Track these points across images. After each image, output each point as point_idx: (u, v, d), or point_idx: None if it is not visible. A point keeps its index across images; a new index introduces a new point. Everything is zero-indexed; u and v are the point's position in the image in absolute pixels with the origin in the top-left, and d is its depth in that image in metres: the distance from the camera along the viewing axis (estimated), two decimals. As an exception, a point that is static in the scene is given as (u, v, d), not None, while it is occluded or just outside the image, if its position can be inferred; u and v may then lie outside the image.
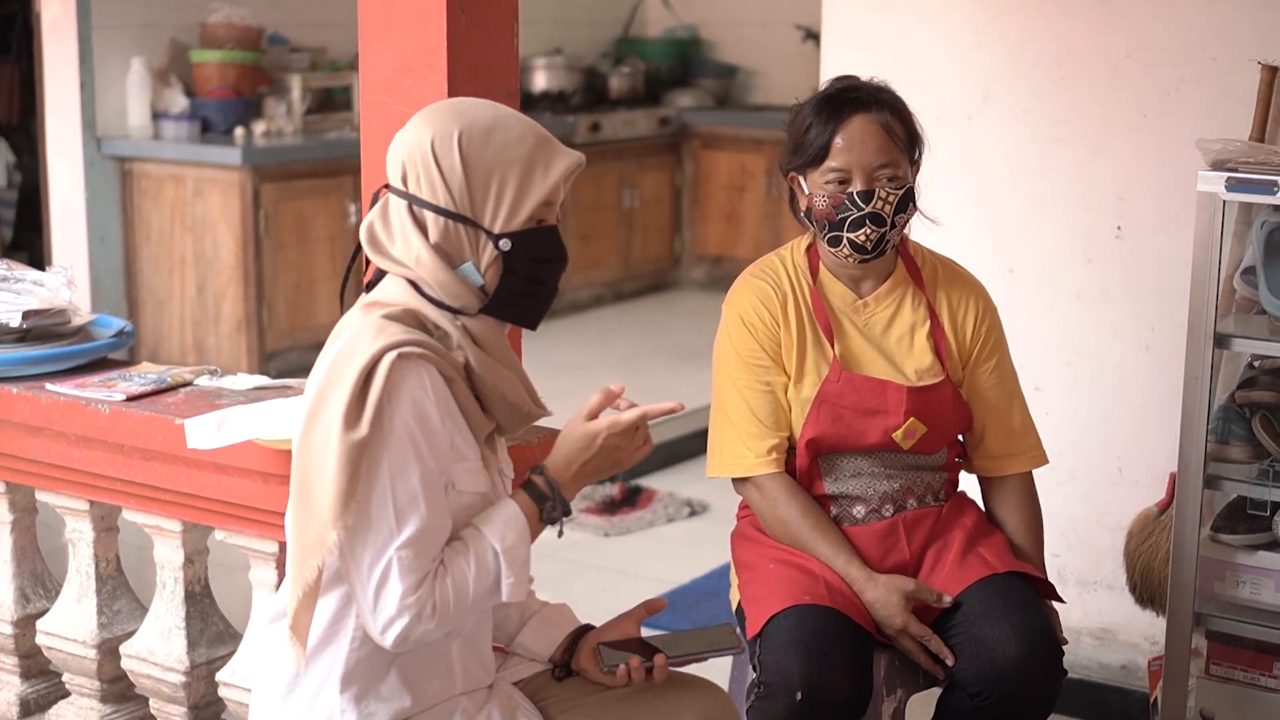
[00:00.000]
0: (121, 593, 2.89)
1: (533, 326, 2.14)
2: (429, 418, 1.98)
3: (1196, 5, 3.38)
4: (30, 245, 6.94)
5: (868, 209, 2.59)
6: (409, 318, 2.04)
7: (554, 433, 2.66)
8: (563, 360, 6.67)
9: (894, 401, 2.64)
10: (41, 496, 2.90)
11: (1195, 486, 2.90)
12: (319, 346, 2.15)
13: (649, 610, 2.28)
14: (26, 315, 2.84)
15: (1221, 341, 2.88)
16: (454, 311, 2.05)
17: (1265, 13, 3.32)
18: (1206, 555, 2.97)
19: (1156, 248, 3.48)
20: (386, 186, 2.10)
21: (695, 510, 5.27)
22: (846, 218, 2.60)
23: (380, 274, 2.13)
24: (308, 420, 2.00)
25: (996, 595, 2.58)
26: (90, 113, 6.25)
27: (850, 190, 2.59)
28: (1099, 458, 3.59)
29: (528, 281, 2.07)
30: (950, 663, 2.56)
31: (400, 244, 2.06)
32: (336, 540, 1.94)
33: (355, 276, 2.21)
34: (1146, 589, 3.20)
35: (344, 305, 2.20)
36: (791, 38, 8.25)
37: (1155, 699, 3.10)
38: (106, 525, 2.85)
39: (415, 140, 2.06)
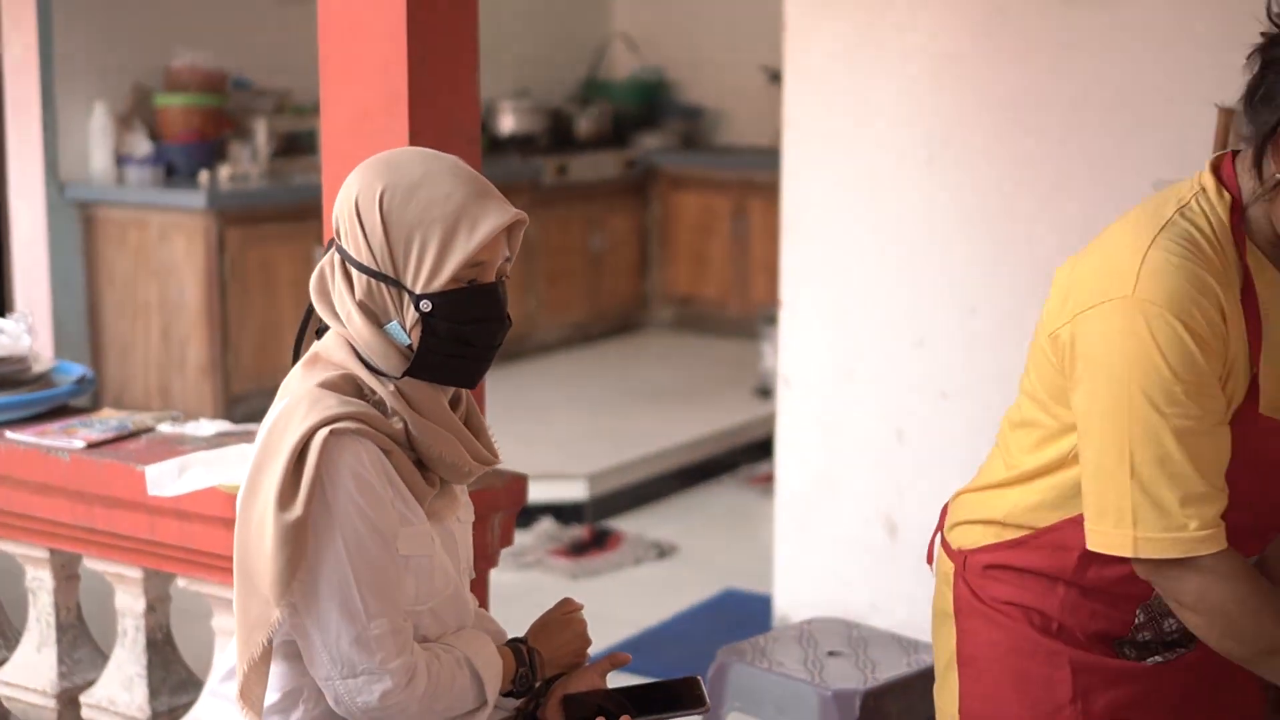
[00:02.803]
0: (82, 641, 2.87)
1: (470, 386, 2.08)
2: (371, 488, 1.94)
3: (1154, 48, 3.42)
4: (-8, 290, 6.91)
5: None
6: (346, 385, 1.99)
7: (520, 476, 2.65)
8: (531, 402, 6.67)
9: None
10: (1, 545, 2.87)
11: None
12: (284, 391, 2.12)
13: (613, 664, 2.28)
14: (-14, 362, 2.83)
15: (1182, 380, 2.88)
16: (382, 374, 2.00)
17: (1222, 55, 3.35)
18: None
19: (1118, 287, 3.50)
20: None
21: (664, 552, 5.26)
22: None
23: None
24: (246, 493, 1.96)
25: None
26: (53, 156, 6.23)
27: None
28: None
29: (452, 343, 1.98)
30: None
31: (336, 298, 2.01)
32: (280, 617, 1.91)
33: (311, 332, 2.16)
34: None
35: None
36: (757, 79, 8.29)
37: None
38: (67, 573, 2.83)
39: (345, 194, 2.01)
